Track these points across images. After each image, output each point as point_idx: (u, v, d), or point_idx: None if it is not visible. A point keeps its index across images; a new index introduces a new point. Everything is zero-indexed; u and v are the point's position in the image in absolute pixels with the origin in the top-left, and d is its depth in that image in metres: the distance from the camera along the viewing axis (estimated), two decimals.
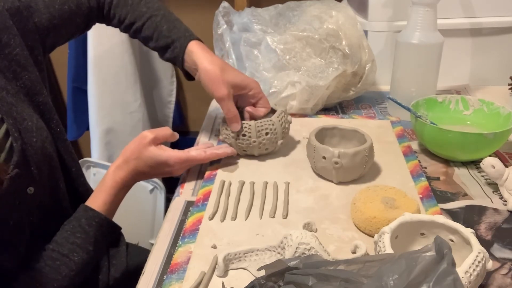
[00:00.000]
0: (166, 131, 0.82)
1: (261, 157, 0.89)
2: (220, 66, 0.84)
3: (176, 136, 0.84)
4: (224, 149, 0.87)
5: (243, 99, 0.89)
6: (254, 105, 0.89)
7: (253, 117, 0.89)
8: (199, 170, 0.88)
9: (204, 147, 0.87)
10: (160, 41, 0.88)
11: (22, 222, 0.69)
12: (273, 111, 0.90)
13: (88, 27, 0.91)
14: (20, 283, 0.68)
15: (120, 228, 0.79)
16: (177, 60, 0.88)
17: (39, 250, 0.70)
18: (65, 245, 0.71)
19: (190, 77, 0.91)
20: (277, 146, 0.88)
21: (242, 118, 0.88)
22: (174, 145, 0.94)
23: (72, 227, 0.73)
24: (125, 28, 0.91)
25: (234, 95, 0.86)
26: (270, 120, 0.85)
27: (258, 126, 0.85)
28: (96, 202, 0.76)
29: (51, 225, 0.74)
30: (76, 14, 0.84)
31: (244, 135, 0.85)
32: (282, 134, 0.86)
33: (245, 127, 0.85)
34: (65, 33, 0.85)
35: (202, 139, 1.00)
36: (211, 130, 1.04)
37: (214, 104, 1.18)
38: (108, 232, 0.76)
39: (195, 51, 0.85)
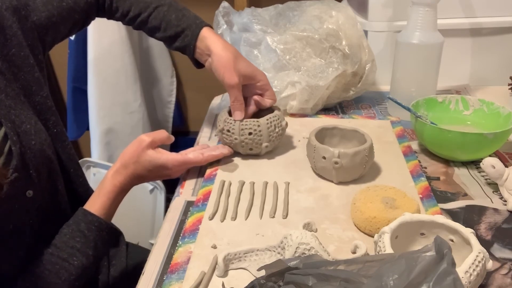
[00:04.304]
0: (162, 134, 0.82)
1: (261, 157, 0.89)
2: (234, 53, 0.85)
3: (172, 138, 0.85)
4: (220, 150, 0.87)
5: (249, 89, 0.89)
6: (261, 96, 0.89)
7: (259, 106, 0.89)
8: (199, 170, 0.88)
9: (200, 148, 0.88)
10: (168, 30, 0.88)
11: (22, 225, 0.69)
12: (272, 110, 0.90)
13: (87, 22, 0.91)
14: None
15: (120, 232, 0.79)
16: (188, 48, 0.88)
17: (39, 253, 0.70)
18: (65, 249, 0.71)
19: (199, 65, 0.91)
20: (263, 149, 0.87)
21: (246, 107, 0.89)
22: (174, 145, 0.94)
23: (71, 231, 0.72)
24: (129, 20, 0.91)
25: (242, 85, 0.86)
26: (257, 121, 0.85)
27: (242, 124, 0.85)
28: (94, 206, 0.75)
29: (50, 228, 0.73)
30: (74, 10, 0.84)
31: (228, 131, 0.86)
32: (268, 137, 0.86)
33: (230, 123, 0.86)
34: (64, 30, 0.85)
35: (202, 139, 1.00)
36: (212, 129, 1.04)
37: (214, 103, 1.18)
38: (108, 237, 0.76)
39: (209, 37, 0.86)
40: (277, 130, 0.86)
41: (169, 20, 0.88)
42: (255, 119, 0.85)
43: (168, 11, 0.88)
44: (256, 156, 0.89)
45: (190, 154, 0.84)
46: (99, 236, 0.74)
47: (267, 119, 0.85)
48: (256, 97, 0.88)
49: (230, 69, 0.83)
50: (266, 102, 0.89)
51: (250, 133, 0.85)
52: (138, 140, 0.80)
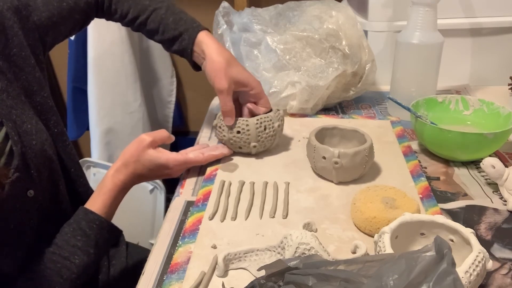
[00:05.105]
0: (163, 134, 0.82)
1: (261, 156, 0.89)
2: (227, 59, 0.85)
3: (172, 138, 0.85)
4: (221, 150, 0.88)
5: (243, 96, 0.89)
6: (255, 103, 0.89)
7: (253, 114, 0.89)
8: (199, 170, 0.88)
9: (200, 148, 0.88)
10: (166, 33, 0.89)
11: (22, 225, 0.69)
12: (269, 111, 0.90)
13: (87, 23, 0.91)
14: (21, 287, 0.68)
15: (120, 231, 0.79)
16: (186, 52, 0.88)
17: (40, 253, 0.70)
18: (66, 247, 0.71)
19: (197, 68, 0.92)
20: (252, 149, 0.87)
21: (241, 114, 0.89)
22: (174, 145, 0.94)
23: (73, 230, 0.72)
24: (128, 22, 0.91)
25: (235, 91, 0.87)
26: (246, 120, 0.85)
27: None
28: (95, 204, 0.76)
29: (51, 227, 0.73)
30: (74, 10, 0.84)
31: (219, 127, 0.87)
32: (257, 138, 0.86)
33: (222, 120, 0.86)
34: (64, 30, 0.85)
35: (202, 139, 1.00)
36: (211, 129, 1.04)
37: (214, 103, 1.18)
38: (109, 235, 0.76)
39: (205, 41, 0.86)
40: (267, 131, 0.86)
41: (167, 23, 0.88)
42: (245, 118, 0.86)
43: (165, 14, 0.88)
44: (256, 156, 0.89)
45: (190, 154, 0.84)
46: (100, 234, 0.74)
47: (257, 120, 0.85)
48: (249, 105, 0.89)
49: (221, 74, 0.84)
50: (260, 110, 0.89)
51: (238, 132, 0.85)
52: (139, 139, 0.80)
